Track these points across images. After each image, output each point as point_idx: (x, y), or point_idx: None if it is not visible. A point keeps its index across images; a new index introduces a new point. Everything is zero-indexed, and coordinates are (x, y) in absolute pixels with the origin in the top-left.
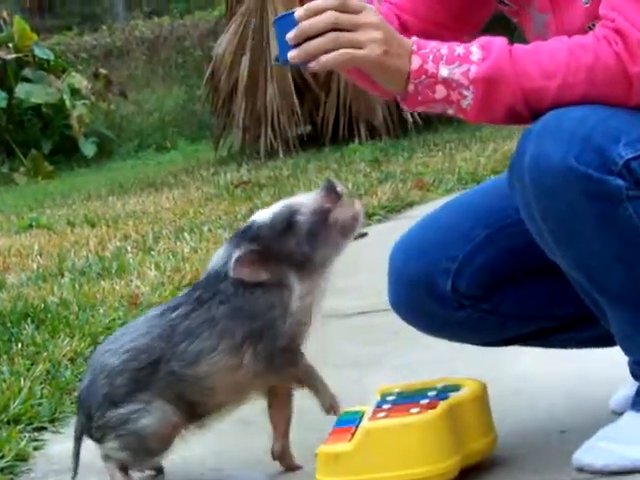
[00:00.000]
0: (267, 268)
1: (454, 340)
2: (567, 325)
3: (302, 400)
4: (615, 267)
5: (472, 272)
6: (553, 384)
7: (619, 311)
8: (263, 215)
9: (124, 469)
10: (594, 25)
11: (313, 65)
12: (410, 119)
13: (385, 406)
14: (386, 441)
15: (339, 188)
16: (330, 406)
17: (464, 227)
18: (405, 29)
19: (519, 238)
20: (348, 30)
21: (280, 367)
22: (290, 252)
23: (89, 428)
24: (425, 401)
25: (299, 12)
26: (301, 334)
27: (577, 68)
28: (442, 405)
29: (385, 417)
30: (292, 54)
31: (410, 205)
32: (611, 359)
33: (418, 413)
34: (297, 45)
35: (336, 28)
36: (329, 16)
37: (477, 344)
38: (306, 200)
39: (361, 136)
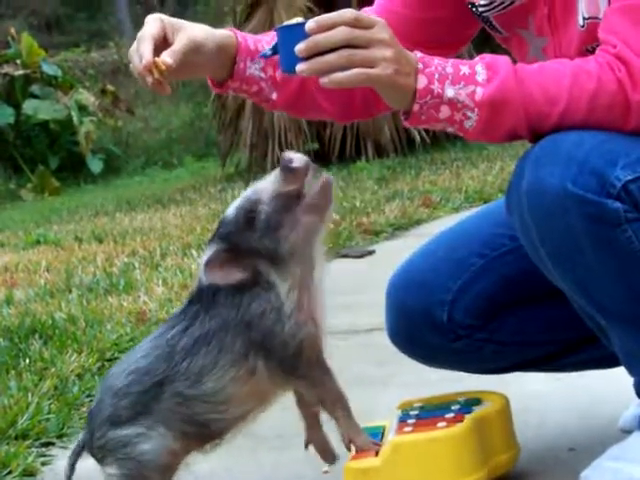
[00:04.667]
0: (241, 267)
1: (454, 369)
2: (566, 349)
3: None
4: (615, 288)
5: (468, 302)
6: (562, 402)
7: (620, 331)
8: (229, 210)
9: None
10: (592, 48)
11: (325, 81)
12: (417, 138)
13: (410, 420)
14: (415, 456)
15: (296, 164)
16: (349, 440)
17: (459, 257)
18: None
19: (514, 266)
20: (361, 47)
21: (299, 376)
22: (256, 247)
23: (90, 445)
24: (450, 415)
25: (310, 24)
26: (309, 338)
27: (580, 94)
28: (469, 418)
29: (412, 431)
30: (302, 67)
31: (418, 223)
32: (620, 377)
33: (446, 427)
34: (305, 57)
35: (349, 44)
36: (344, 31)
37: (477, 372)
38: (264, 187)
39: (368, 154)
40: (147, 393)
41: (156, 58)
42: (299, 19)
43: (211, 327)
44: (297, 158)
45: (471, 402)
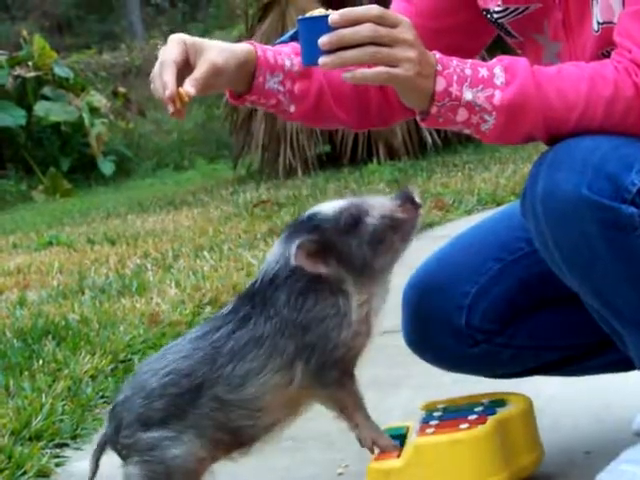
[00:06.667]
0: (326, 263)
1: (470, 374)
2: (583, 354)
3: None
4: (630, 293)
5: (485, 307)
6: (577, 405)
7: (636, 336)
8: (327, 208)
9: None
10: (607, 52)
11: (348, 76)
12: (429, 140)
13: (432, 422)
14: (436, 457)
15: (418, 200)
16: (372, 442)
17: (476, 262)
18: None
19: (531, 270)
20: (385, 44)
21: (328, 383)
22: (351, 253)
23: (115, 442)
24: (473, 417)
25: (334, 17)
26: (357, 347)
27: (597, 100)
28: (491, 420)
29: (434, 433)
30: (325, 60)
31: (430, 225)
32: (635, 381)
33: (468, 429)
34: (328, 51)
35: (373, 41)
36: (369, 28)
37: (493, 377)
38: (377, 203)
39: (380, 156)
40: (183, 396)
41: (180, 89)
42: (321, 10)
43: (266, 330)
44: (418, 194)
45: (495, 404)
